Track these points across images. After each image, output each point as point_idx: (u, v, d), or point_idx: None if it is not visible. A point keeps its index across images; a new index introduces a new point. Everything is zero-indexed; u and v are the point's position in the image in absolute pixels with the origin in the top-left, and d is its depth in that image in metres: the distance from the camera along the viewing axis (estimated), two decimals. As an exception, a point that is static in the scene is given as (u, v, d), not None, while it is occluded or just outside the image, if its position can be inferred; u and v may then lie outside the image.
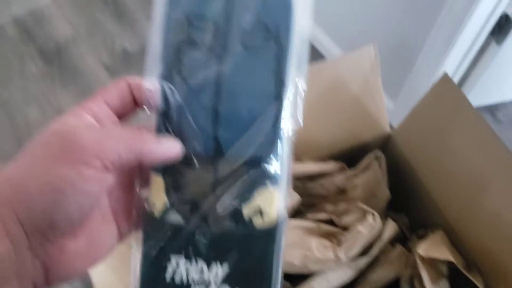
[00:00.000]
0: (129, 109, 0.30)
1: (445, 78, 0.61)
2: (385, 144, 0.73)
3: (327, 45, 1.47)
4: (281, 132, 0.30)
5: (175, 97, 0.29)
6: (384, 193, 0.66)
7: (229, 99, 0.29)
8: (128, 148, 0.27)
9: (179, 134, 0.29)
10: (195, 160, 0.29)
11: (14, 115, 1.33)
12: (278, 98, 0.29)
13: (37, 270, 0.25)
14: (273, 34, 0.29)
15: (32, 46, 1.50)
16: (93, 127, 0.28)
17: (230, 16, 0.29)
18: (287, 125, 0.30)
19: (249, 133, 0.29)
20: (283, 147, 0.30)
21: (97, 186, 0.26)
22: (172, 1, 0.30)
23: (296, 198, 0.60)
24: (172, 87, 0.29)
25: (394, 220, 0.61)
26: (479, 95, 1.29)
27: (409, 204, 0.70)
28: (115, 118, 0.30)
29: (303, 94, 0.31)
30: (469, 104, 0.57)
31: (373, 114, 0.71)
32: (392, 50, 1.19)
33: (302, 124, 0.31)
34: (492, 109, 1.40)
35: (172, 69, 0.29)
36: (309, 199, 0.66)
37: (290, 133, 0.30)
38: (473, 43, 1.07)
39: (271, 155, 0.30)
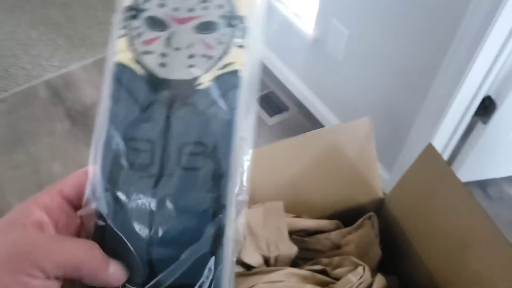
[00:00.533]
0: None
1: (429, 148, 0.67)
2: (379, 208, 0.77)
3: (327, 115, 1.56)
4: (221, 255, 0.29)
5: (112, 217, 0.28)
6: (376, 252, 0.70)
7: (166, 222, 0.28)
8: (75, 266, 0.26)
9: (114, 254, 0.28)
10: (127, 285, 0.29)
11: (40, 169, 1.42)
12: (217, 220, 0.29)
13: None
14: (212, 154, 0.29)
15: (60, 107, 1.62)
16: (41, 236, 0.27)
17: (168, 137, 0.29)
18: (228, 246, 0.29)
19: (184, 258, 0.28)
20: (222, 274, 0.29)
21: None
22: (111, 120, 0.29)
23: (294, 249, 0.66)
24: (110, 207, 0.28)
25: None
26: (470, 171, 1.33)
27: (400, 265, 0.73)
28: (70, 211, 0.29)
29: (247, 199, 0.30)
30: (451, 172, 0.63)
31: (368, 179, 0.76)
32: (387, 123, 1.26)
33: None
34: (482, 185, 1.42)
35: (110, 190, 0.29)
36: (305, 253, 0.71)
37: (231, 254, 0.29)
38: (459, 121, 1.13)
39: (207, 282, 0.28)
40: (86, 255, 0.27)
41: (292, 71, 1.66)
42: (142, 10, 0.30)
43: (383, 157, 1.29)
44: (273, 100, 1.68)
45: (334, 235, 0.73)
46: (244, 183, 0.30)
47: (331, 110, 1.54)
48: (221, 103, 0.29)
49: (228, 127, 0.29)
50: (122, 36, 0.30)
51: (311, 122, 1.60)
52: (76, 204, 0.30)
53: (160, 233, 0.28)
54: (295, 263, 0.68)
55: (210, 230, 0.28)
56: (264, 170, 0.70)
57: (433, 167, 0.67)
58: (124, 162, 0.29)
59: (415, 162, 0.71)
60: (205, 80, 0.29)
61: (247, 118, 0.30)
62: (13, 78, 1.74)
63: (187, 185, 0.29)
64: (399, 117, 1.24)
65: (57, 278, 0.26)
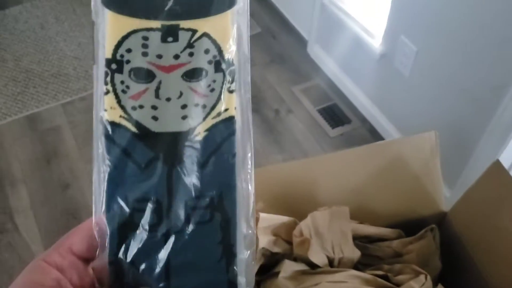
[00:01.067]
0: (95, 251, 0.29)
1: (497, 164, 0.68)
2: (440, 222, 0.77)
3: (390, 130, 1.57)
4: None
5: (125, 277, 0.28)
6: (436, 264, 0.71)
7: (178, 279, 0.28)
8: None
9: None
10: None
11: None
12: (230, 270, 0.28)
13: None
14: (219, 204, 0.28)
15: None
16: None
17: (172, 194, 0.28)
18: None
19: None
20: None
21: None
22: (110, 184, 0.28)
23: (357, 253, 0.68)
24: (122, 267, 0.28)
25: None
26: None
27: (460, 282, 0.73)
28: (81, 266, 0.29)
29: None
30: None
31: (431, 193, 0.77)
32: (451, 141, 1.26)
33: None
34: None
35: (118, 249, 0.28)
36: (366, 259, 0.73)
37: None
38: None
39: None
40: None
41: (357, 84, 1.68)
42: (125, 62, 0.28)
43: (445, 174, 1.28)
44: (335, 113, 1.71)
45: (395, 243, 0.74)
46: (252, 225, 0.29)
47: (394, 125, 1.55)
48: (220, 151, 0.28)
49: (230, 174, 0.28)
50: (108, 92, 0.29)
51: (373, 136, 1.62)
52: (87, 256, 0.29)
53: None
54: (356, 268, 0.70)
55: (224, 281, 0.28)
56: (329, 176, 0.73)
57: (500, 184, 0.67)
58: (130, 225, 0.28)
59: (481, 178, 0.71)
60: (201, 131, 0.28)
61: (244, 162, 0.29)
62: (92, 80, 1.86)
63: (197, 240, 0.28)
64: (464, 135, 1.23)
65: None
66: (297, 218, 0.69)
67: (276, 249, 0.65)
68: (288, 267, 0.64)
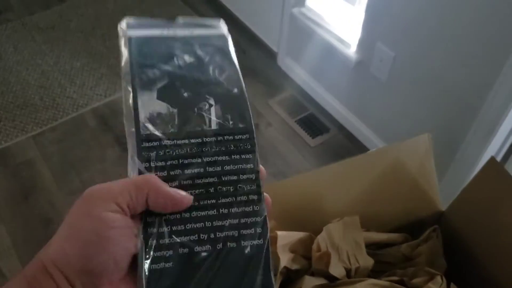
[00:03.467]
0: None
1: (492, 161, 0.70)
2: (438, 221, 0.79)
3: (368, 135, 1.60)
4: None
5: None
6: (442, 263, 0.72)
7: None
8: (138, 187, 0.30)
9: None
10: None
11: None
12: None
13: None
14: None
15: (109, 134, 1.68)
16: (109, 183, 0.31)
17: None
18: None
19: None
20: None
21: (119, 231, 0.29)
22: None
23: (371, 262, 0.69)
24: None
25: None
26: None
27: (464, 278, 0.73)
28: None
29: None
30: None
31: (428, 193, 0.79)
32: (435, 141, 1.29)
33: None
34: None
35: None
36: (377, 266, 0.74)
37: None
38: (507, 137, 1.16)
39: None
40: (143, 179, 0.31)
41: (331, 93, 1.70)
42: None
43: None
44: (313, 122, 1.72)
45: (404, 247, 0.75)
46: None
47: (372, 130, 1.58)
48: None
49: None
50: None
51: (352, 142, 1.64)
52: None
53: None
54: (369, 275, 0.71)
55: None
56: (334, 187, 0.73)
57: (497, 179, 0.69)
58: None
59: (477, 175, 0.73)
60: None
61: None
62: (61, 108, 1.81)
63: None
64: (448, 134, 1.26)
65: (131, 209, 0.30)
66: (310, 231, 0.69)
67: (295, 266, 0.64)
68: (308, 283, 0.64)
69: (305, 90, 1.81)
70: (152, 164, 0.32)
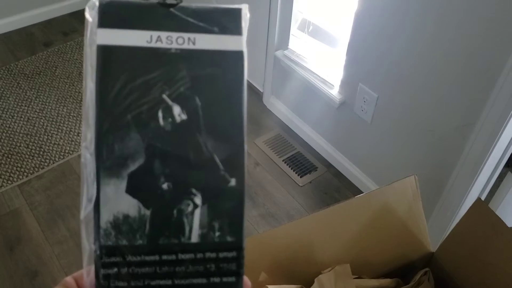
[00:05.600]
0: None
1: (479, 202, 0.71)
2: (427, 263, 0.80)
3: (355, 173, 1.60)
4: None
5: None
6: None
7: None
8: None
9: None
10: None
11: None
12: None
13: None
14: None
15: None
16: None
17: None
18: None
19: None
20: None
21: None
22: None
23: None
24: None
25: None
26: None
27: None
28: None
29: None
30: (503, 224, 0.66)
31: (417, 236, 0.79)
32: (420, 180, 1.30)
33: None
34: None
35: None
36: None
37: None
38: (492, 173, 1.16)
39: None
40: None
41: (317, 132, 1.72)
42: None
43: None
44: (300, 161, 1.73)
45: (396, 293, 0.75)
46: None
47: (359, 168, 1.59)
48: None
49: None
50: None
51: (340, 180, 1.65)
52: None
53: None
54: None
55: None
56: (323, 234, 0.73)
57: (484, 220, 0.70)
58: None
59: (465, 216, 0.74)
60: None
61: None
62: (47, 155, 1.80)
63: None
64: (433, 173, 1.27)
65: None
66: (301, 282, 0.68)
67: (287, 321, 0.63)
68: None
69: (291, 128, 1.82)
70: (112, 284, 0.26)
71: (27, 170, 1.74)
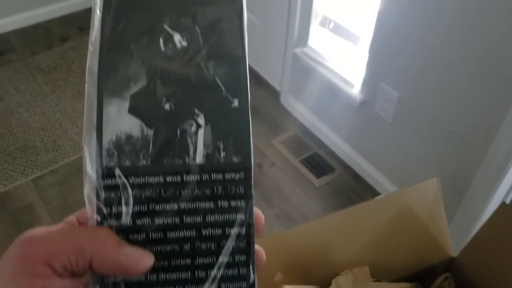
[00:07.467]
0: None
1: (503, 206, 0.69)
2: (448, 268, 0.78)
3: (374, 175, 1.58)
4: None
5: None
6: None
7: None
8: (76, 249, 0.24)
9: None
10: None
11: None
12: None
13: None
14: None
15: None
16: (49, 231, 0.26)
17: None
18: None
19: None
20: None
21: None
22: None
23: None
24: None
25: None
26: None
27: None
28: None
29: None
30: None
31: (438, 240, 0.78)
32: (442, 183, 1.28)
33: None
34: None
35: None
36: None
37: None
38: None
39: None
40: (88, 237, 0.25)
41: (336, 132, 1.69)
42: None
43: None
44: (317, 162, 1.71)
45: (416, 298, 0.73)
46: None
47: (379, 170, 1.56)
48: None
49: None
50: None
51: (358, 182, 1.62)
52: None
53: None
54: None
55: None
56: (341, 235, 0.71)
57: (509, 225, 0.68)
58: None
59: (488, 221, 0.72)
60: None
61: None
62: (62, 150, 1.80)
63: None
64: (455, 176, 1.25)
65: (66, 271, 0.24)
66: (318, 283, 0.67)
67: (303, 323, 0.62)
68: None
69: (309, 129, 1.80)
70: (114, 210, 0.25)
71: (41, 165, 1.74)
